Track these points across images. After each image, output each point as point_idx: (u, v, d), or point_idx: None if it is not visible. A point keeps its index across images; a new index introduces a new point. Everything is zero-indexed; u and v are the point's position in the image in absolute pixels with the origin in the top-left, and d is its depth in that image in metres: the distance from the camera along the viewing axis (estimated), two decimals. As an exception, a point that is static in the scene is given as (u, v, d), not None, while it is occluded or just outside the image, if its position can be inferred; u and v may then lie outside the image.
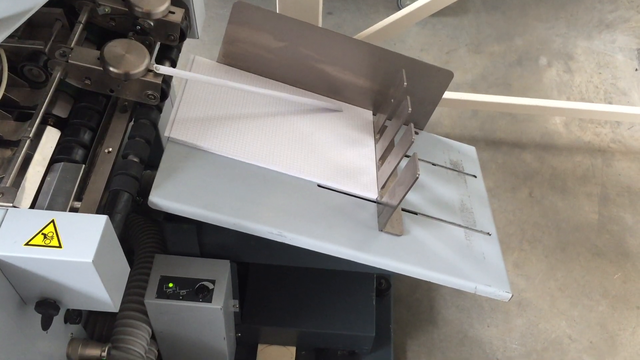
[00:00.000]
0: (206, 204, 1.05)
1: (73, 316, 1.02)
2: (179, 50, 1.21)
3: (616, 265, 1.89)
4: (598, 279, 1.86)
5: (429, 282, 1.15)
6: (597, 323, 1.76)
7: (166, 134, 1.11)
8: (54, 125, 0.99)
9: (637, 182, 2.11)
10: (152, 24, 1.11)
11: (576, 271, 1.87)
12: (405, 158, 1.16)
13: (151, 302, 1.12)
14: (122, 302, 1.07)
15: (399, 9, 2.28)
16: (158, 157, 1.10)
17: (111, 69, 0.97)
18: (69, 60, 0.97)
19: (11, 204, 0.82)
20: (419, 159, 1.05)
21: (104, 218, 0.81)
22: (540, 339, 1.72)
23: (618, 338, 1.73)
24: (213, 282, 1.14)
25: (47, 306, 0.85)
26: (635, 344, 1.72)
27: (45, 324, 0.90)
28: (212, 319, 1.16)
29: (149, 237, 1.26)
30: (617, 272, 1.87)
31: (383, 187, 1.23)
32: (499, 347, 1.70)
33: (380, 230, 1.16)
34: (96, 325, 1.20)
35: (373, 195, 1.22)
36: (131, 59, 0.98)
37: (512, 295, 1.17)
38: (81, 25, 1.05)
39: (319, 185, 1.20)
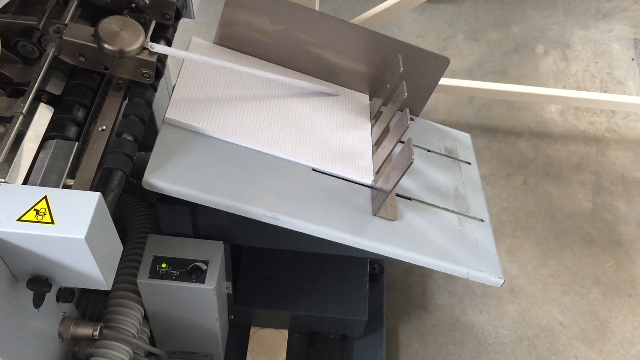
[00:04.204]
0: (201, 186, 1.04)
1: (65, 295, 1.02)
2: (175, 30, 1.20)
3: (608, 254, 1.90)
4: (590, 266, 1.87)
5: (422, 267, 1.15)
6: (589, 310, 1.77)
7: (166, 115, 1.11)
8: (47, 103, 0.98)
9: (631, 171, 2.12)
10: (147, 1, 1.10)
11: (569, 259, 1.88)
12: (400, 144, 1.16)
13: (144, 282, 1.12)
14: (115, 282, 1.07)
15: (397, -6, 2.27)
16: (152, 138, 1.10)
17: (106, 45, 0.96)
18: (63, 37, 0.96)
19: (3, 180, 0.82)
20: (413, 145, 1.05)
21: (96, 195, 0.80)
22: (532, 325, 1.74)
23: (609, 325, 1.75)
24: (206, 263, 1.14)
25: (39, 283, 0.84)
26: (625, 331, 1.73)
27: (37, 302, 0.90)
28: (204, 299, 1.16)
29: (142, 217, 1.26)
30: (609, 260, 1.88)
31: (378, 172, 1.23)
32: (491, 333, 1.71)
33: (374, 214, 1.16)
34: (88, 305, 1.20)
35: (368, 179, 1.22)
36: (126, 36, 0.97)
37: (504, 281, 1.17)
38: (75, 2, 1.04)
39: (313, 169, 1.20)
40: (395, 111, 1.24)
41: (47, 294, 0.90)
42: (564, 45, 2.56)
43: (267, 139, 1.18)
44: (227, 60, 1.25)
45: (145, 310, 1.20)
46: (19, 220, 0.77)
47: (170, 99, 1.15)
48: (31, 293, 0.88)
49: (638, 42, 2.57)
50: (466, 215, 1.28)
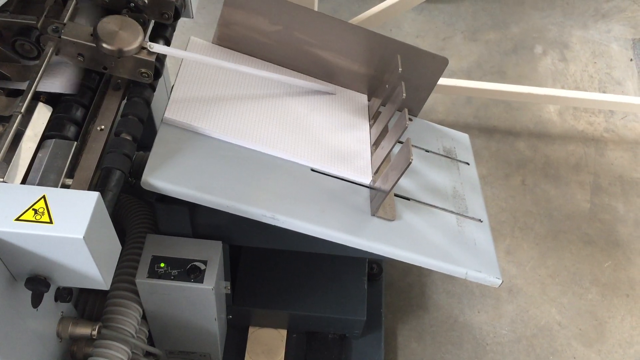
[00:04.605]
0: (200, 186, 1.04)
1: (63, 294, 1.02)
2: (174, 29, 1.20)
3: (607, 254, 1.90)
4: (588, 266, 1.87)
5: (421, 267, 1.15)
6: (587, 310, 1.77)
7: (165, 114, 1.11)
8: (45, 102, 0.98)
9: (629, 171, 2.12)
10: (146, 1, 1.10)
11: (567, 259, 1.89)
12: (398, 144, 1.16)
13: (142, 281, 1.12)
14: (113, 282, 1.07)
15: (396, -6, 2.27)
16: (151, 138, 1.10)
17: (104, 45, 0.96)
18: (62, 36, 0.96)
19: (2, 179, 0.81)
20: (412, 145, 1.05)
21: (95, 195, 0.80)
22: (530, 325, 1.74)
23: (607, 325, 1.75)
24: (205, 262, 1.14)
25: (38, 283, 0.84)
26: (623, 331, 1.74)
27: (36, 301, 0.90)
28: (203, 299, 1.16)
29: (140, 217, 1.26)
30: (607, 261, 1.89)
31: (376, 172, 1.23)
32: (489, 333, 1.71)
33: (373, 215, 1.16)
34: (87, 305, 1.20)
35: (366, 180, 1.22)
36: (125, 36, 0.97)
37: (503, 281, 1.17)
38: (74, 1, 1.04)
39: (312, 169, 1.20)
40: (394, 111, 1.24)
41: (45, 294, 0.90)
42: (563, 45, 2.56)
43: (266, 139, 1.18)
44: (225, 60, 1.25)
45: (143, 310, 1.20)
46: (17, 219, 0.77)
47: (169, 98, 1.15)
48: (29, 293, 0.88)
49: (636, 42, 2.57)
50: (465, 216, 1.28)
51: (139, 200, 1.31)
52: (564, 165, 2.13)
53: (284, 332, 1.49)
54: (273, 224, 1.07)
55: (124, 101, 1.07)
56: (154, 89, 1.11)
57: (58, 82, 1.00)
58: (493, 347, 1.69)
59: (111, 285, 0.91)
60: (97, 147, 0.97)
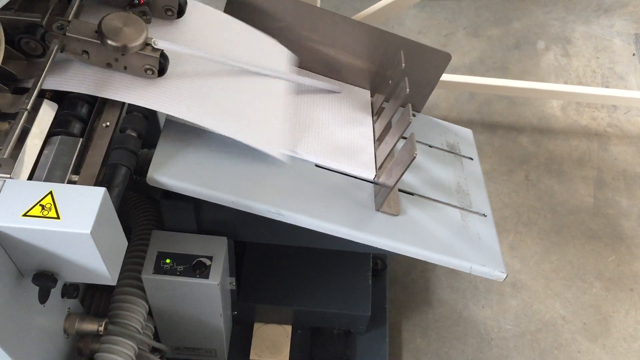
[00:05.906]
0: (205, 182, 1.05)
1: (70, 290, 1.02)
2: (177, 26, 1.20)
3: (611, 248, 1.90)
4: (592, 261, 1.87)
5: (425, 263, 1.15)
6: (591, 305, 1.78)
7: None
8: (51, 99, 0.99)
9: (633, 166, 2.12)
10: (150, -2, 1.10)
11: (571, 254, 1.89)
12: (402, 140, 1.16)
13: (148, 277, 1.13)
14: (119, 278, 1.08)
15: (398, -10, 2.26)
16: (155, 135, 1.10)
17: (109, 41, 0.96)
18: (67, 33, 0.96)
19: (9, 175, 0.82)
20: (416, 141, 1.05)
21: (102, 190, 0.81)
22: (534, 320, 1.74)
23: (611, 320, 1.75)
24: (210, 258, 1.15)
25: (45, 278, 0.85)
26: (628, 326, 1.74)
27: (43, 297, 0.90)
28: (208, 295, 1.16)
29: (145, 213, 1.27)
30: (611, 255, 1.89)
31: (380, 167, 1.23)
32: (493, 328, 1.72)
33: (377, 210, 1.17)
34: (93, 301, 1.21)
35: (370, 175, 1.22)
36: (129, 32, 0.97)
37: (507, 276, 1.17)
38: (78, -1, 1.05)
39: (316, 165, 1.20)
40: (398, 107, 1.24)
41: (52, 290, 0.90)
42: (565, 40, 2.56)
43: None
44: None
45: (149, 306, 1.21)
46: (24, 215, 0.78)
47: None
48: (37, 288, 0.89)
49: (639, 37, 2.57)
50: (469, 210, 1.28)
51: (144, 197, 1.32)
52: (567, 161, 2.13)
53: (288, 328, 1.49)
54: (278, 219, 1.08)
55: (129, 98, 1.08)
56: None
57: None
58: (497, 342, 1.69)
59: (117, 282, 0.92)
60: (103, 144, 0.98)
